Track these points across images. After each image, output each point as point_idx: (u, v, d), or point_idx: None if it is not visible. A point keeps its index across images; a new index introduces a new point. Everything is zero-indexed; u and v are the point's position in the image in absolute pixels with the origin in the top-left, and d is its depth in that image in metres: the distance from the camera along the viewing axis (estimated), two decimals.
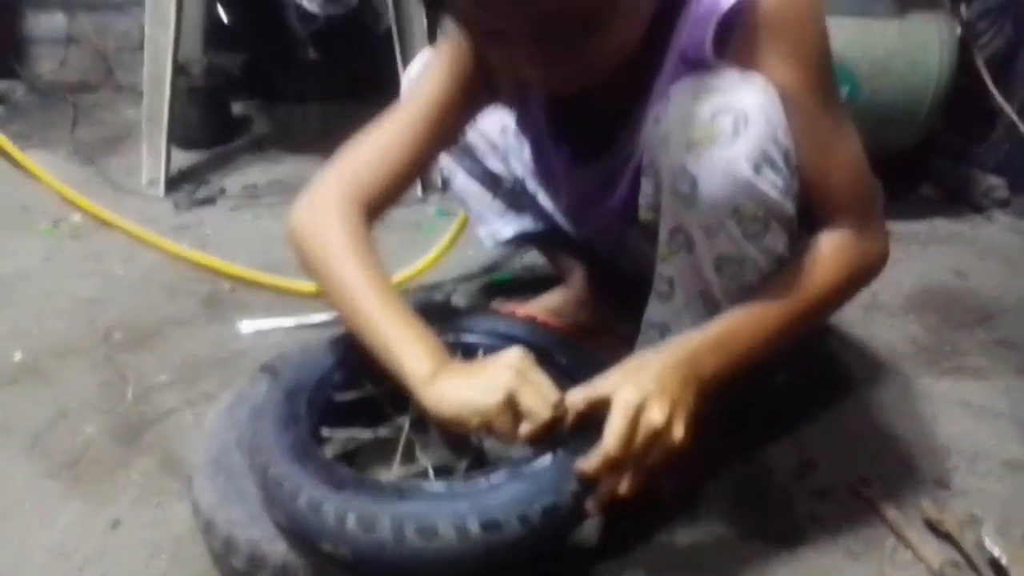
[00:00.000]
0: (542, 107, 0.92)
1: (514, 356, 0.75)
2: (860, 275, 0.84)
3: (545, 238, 1.22)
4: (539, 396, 0.72)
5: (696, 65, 0.77)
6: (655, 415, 0.70)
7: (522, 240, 1.24)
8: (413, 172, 0.90)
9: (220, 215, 1.66)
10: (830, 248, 0.81)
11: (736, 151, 0.73)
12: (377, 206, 0.87)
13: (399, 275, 1.38)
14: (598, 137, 0.90)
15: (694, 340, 0.78)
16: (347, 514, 0.68)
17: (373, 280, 0.80)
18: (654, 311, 0.90)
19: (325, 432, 0.83)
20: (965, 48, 1.62)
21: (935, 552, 0.86)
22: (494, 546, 0.68)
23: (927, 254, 1.58)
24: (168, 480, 0.95)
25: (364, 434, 0.85)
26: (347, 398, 0.88)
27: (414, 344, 0.76)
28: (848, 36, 1.49)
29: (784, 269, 0.81)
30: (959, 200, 1.79)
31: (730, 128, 0.72)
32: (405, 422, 0.85)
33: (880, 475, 0.99)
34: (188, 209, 1.66)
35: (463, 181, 1.18)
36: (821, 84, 0.78)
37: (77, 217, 1.60)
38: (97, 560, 0.85)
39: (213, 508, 0.79)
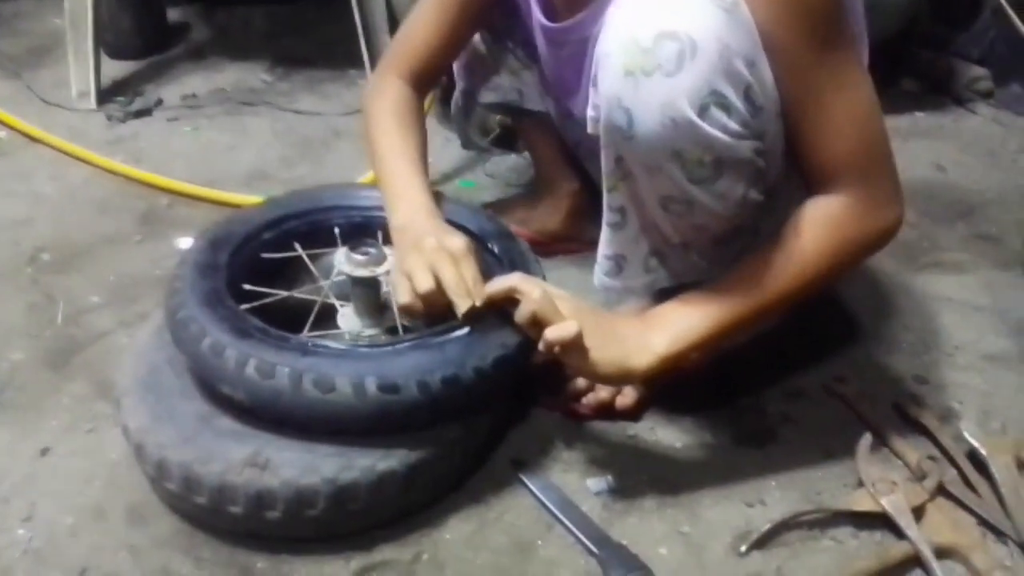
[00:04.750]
0: None
1: (456, 244, 0.78)
2: (860, 247, 0.75)
3: (524, 115, 1.12)
4: (462, 285, 0.75)
5: None
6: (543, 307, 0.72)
7: (501, 111, 1.15)
8: (452, 47, 1.00)
9: (157, 127, 1.55)
10: (817, 219, 0.73)
11: (677, 88, 0.64)
12: (426, 78, 1.00)
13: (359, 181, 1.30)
14: None
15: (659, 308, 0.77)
16: (248, 360, 0.71)
17: (396, 142, 0.92)
18: (607, 242, 0.83)
19: (246, 287, 0.84)
20: None
21: (912, 447, 0.83)
22: (390, 407, 0.71)
23: (907, 148, 1.50)
24: (101, 405, 0.90)
25: (282, 292, 0.86)
26: (274, 258, 0.90)
27: (400, 197, 0.86)
28: None
29: (764, 247, 0.74)
30: (941, 93, 1.72)
31: (673, 58, 0.63)
32: (326, 286, 0.87)
33: (856, 373, 0.95)
34: (122, 122, 1.55)
35: None
36: (815, 34, 0.68)
37: (2, 133, 1.50)
38: (25, 489, 0.80)
39: (143, 431, 0.75)
